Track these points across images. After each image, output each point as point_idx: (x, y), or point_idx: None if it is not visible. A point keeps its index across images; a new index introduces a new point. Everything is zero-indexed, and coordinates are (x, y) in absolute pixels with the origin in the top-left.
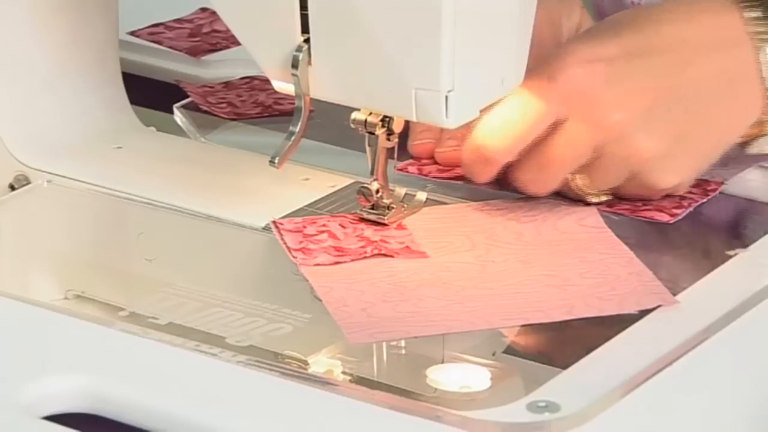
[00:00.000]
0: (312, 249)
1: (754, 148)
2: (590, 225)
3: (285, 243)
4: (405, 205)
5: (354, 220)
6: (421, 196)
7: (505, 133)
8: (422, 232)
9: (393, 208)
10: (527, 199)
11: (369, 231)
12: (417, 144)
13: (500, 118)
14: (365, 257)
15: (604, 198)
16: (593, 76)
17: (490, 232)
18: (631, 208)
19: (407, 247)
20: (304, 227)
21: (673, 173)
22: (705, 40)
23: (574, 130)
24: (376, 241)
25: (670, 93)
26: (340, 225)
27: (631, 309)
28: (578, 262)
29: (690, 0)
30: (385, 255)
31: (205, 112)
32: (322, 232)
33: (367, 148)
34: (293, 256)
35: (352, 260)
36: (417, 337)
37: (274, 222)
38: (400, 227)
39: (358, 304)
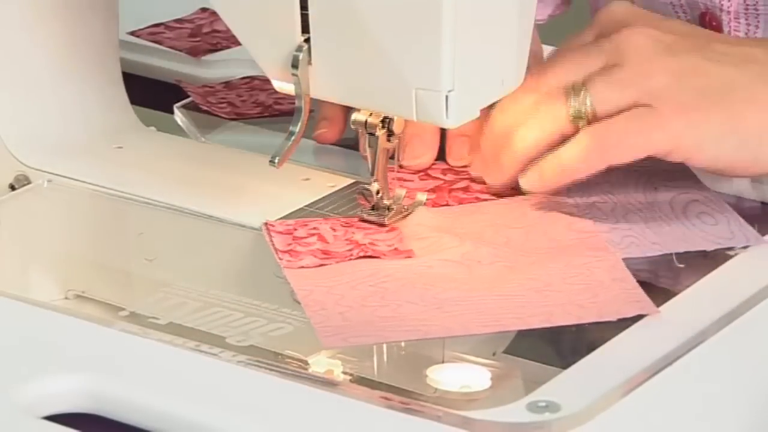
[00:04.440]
0: (299, 251)
1: None
2: (580, 229)
3: (273, 245)
4: (405, 206)
5: (346, 223)
6: (421, 196)
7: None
8: (412, 231)
9: (393, 209)
10: (519, 204)
11: (359, 234)
12: (318, 133)
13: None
14: (350, 260)
15: None
16: (654, 43)
17: (479, 234)
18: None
19: (395, 249)
20: (295, 229)
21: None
22: None
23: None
24: (364, 244)
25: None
26: (331, 228)
27: (611, 317)
28: (563, 266)
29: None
30: (371, 257)
31: (205, 112)
32: (312, 234)
33: (368, 149)
34: (279, 258)
35: (337, 263)
36: (392, 341)
37: (265, 223)
38: (392, 229)
39: (336, 308)
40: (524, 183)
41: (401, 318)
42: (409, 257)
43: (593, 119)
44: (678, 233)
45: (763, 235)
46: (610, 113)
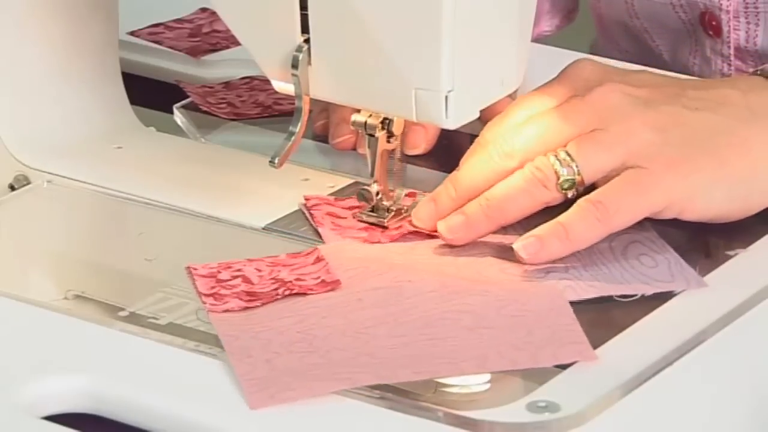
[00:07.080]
0: (223, 294)
1: None
2: (514, 273)
3: (196, 288)
4: (405, 207)
5: (271, 263)
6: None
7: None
8: (339, 263)
9: (393, 210)
10: (451, 248)
11: (285, 272)
12: (338, 141)
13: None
14: (277, 299)
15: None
16: (630, 99)
17: (410, 265)
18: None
19: (322, 281)
20: (219, 272)
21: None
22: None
23: (604, 137)
24: (290, 281)
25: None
26: (255, 269)
27: (546, 363)
28: (497, 290)
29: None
30: (297, 294)
31: (205, 112)
32: (236, 276)
33: (367, 150)
34: (203, 302)
35: (263, 304)
36: (321, 394)
37: (188, 267)
38: (317, 260)
39: (263, 355)
40: (523, 251)
41: (330, 365)
42: (333, 289)
43: (581, 184)
44: (617, 276)
45: (760, 237)
46: (599, 177)
